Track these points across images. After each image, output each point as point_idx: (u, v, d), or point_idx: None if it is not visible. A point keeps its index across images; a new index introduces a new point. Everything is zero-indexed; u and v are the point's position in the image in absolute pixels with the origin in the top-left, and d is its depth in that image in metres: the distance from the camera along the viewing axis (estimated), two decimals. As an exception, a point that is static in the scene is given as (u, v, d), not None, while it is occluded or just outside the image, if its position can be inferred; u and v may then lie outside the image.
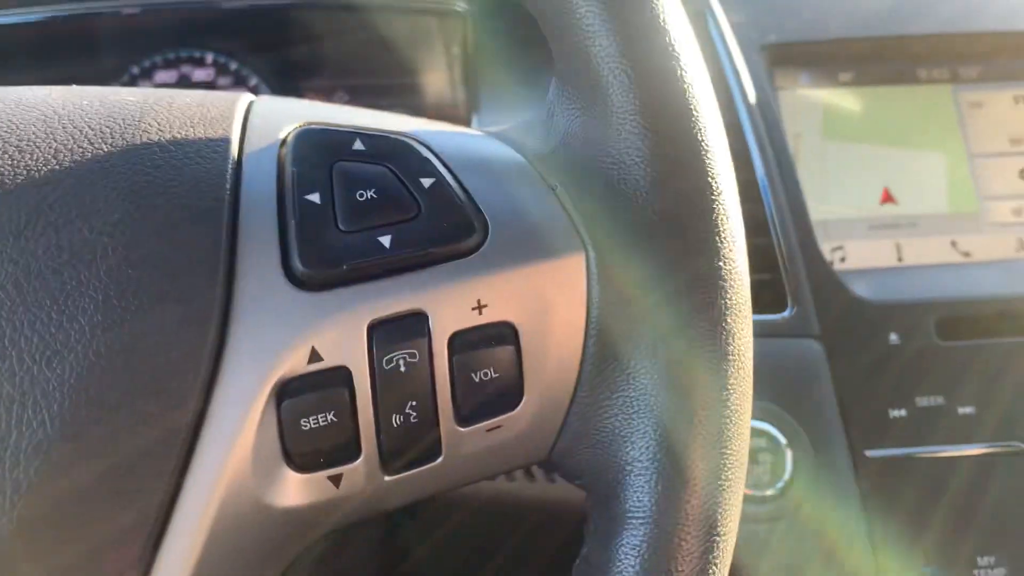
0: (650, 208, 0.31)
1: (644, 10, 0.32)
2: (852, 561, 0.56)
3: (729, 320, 0.31)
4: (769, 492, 0.57)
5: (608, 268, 0.32)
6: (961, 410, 0.60)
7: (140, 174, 0.31)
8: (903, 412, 0.59)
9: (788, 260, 0.63)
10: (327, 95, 0.87)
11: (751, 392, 0.32)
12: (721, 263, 0.31)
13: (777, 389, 0.59)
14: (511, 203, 0.33)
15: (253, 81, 0.87)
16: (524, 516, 0.62)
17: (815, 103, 0.73)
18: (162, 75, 0.86)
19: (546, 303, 0.32)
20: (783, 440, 0.58)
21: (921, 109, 0.73)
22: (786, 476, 0.57)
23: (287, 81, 0.87)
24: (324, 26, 0.87)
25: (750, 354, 0.32)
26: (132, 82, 0.87)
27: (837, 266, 0.67)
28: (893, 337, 0.61)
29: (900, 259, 0.68)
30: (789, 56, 0.74)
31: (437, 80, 0.85)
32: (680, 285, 0.31)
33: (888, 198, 0.71)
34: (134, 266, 0.29)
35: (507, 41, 0.76)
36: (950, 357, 0.61)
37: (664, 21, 0.32)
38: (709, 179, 0.31)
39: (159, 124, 0.33)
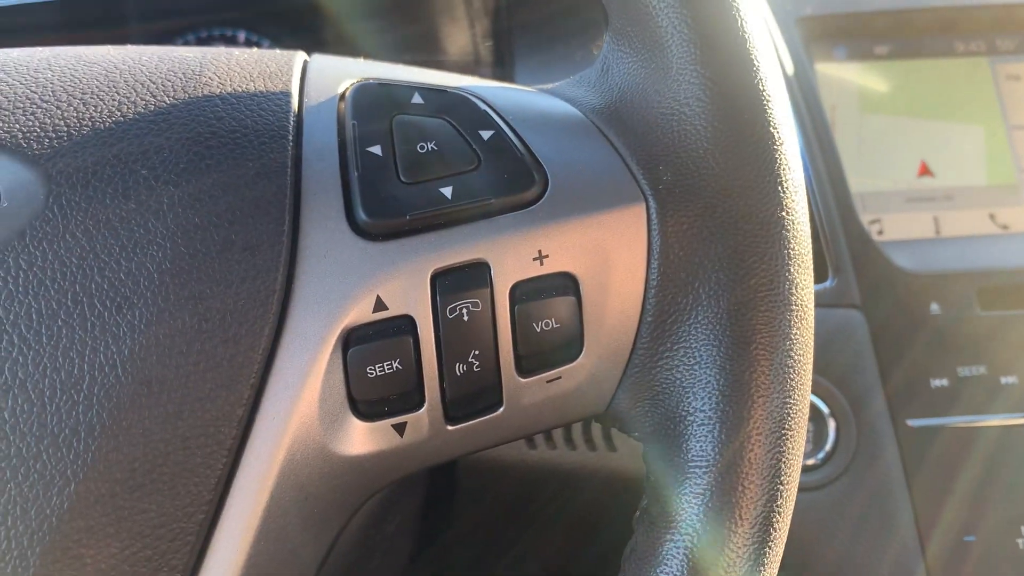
0: (711, 158, 0.31)
1: None
2: (894, 530, 0.56)
3: (791, 269, 0.31)
4: (811, 462, 0.57)
5: (668, 218, 0.32)
6: (1003, 380, 0.59)
7: (203, 125, 0.31)
8: (944, 382, 0.59)
9: (828, 230, 0.62)
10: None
11: (812, 341, 0.32)
12: (784, 212, 0.31)
13: (818, 359, 0.58)
14: (569, 155, 0.33)
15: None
16: (566, 484, 0.62)
17: (851, 76, 0.73)
18: (194, 54, 0.87)
19: (607, 254, 0.32)
20: (825, 409, 0.58)
21: (958, 82, 0.73)
22: (828, 446, 0.57)
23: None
24: (356, 7, 0.87)
25: (811, 303, 0.32)
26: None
27: (875, 238, 0.66)
28: (934, 307, 0.61)
29: (938, 232, 0.68)
30: (825, 29, 0.73)
31: (469, 61, 0.84)
32: (741, 235, 0.31)
33: (925, 171, 0.70)
34: (200, 215, 0.29)
35: (541, 14, 0.76)
36: (991, 327, 0.61)
37: None
38: (771, 129, 0.31)
39: (219, 77, 0.33)
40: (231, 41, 0.86)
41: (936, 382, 0.59)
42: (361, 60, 0.38)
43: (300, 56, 0.36)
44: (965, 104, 0.72)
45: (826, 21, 0.73)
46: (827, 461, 0.57)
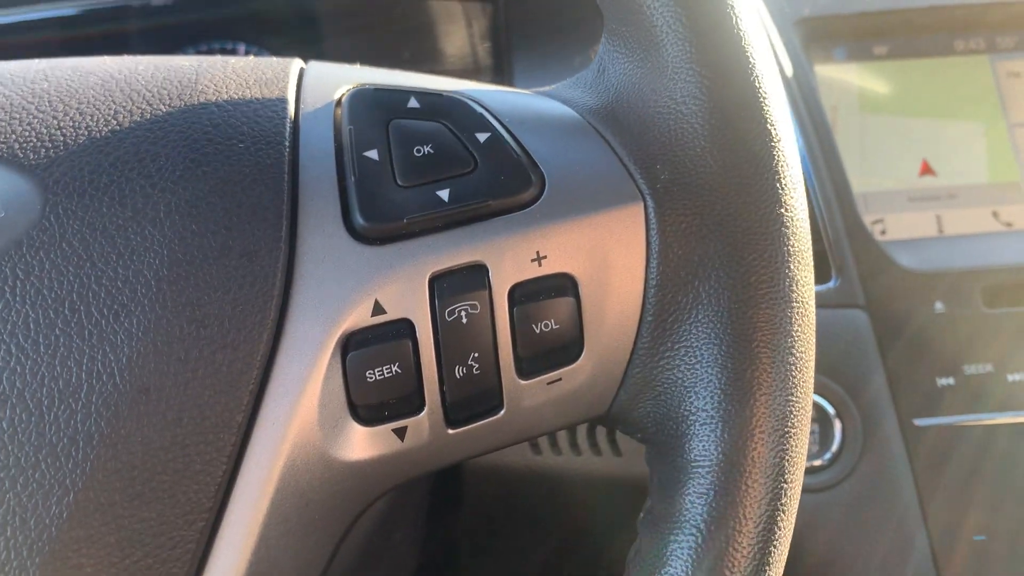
0: (709, 156, 0.31)
1: None
2: (903, 530, 0.56)
3: (792, 266, 0.31)
4: (818, 463, 0.57)
5: (666, 217, 0.32)
6: (1010, 377, 0.59)
7: (199, 132, 0.31)
8: (951, 380, 0.59)
9: (831, 231, 0.62)
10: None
11: (814, 339, 0.32)
12: (782, 210, 0.31)
13: (824, 360, 0.58)
14: (566, 155, 0.33)
15: (284, 72, 0.87)
16: (571, 489, 0.62)
17: (851, 77, 0.73)
18: (194, 68, 0.87)
19: (605, 254, 0.32)
20: (831, 410, 0.58)
21: (958, 80, 0.73)
22: (835, 447, 0.57)
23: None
24: (353, 14, 0.87)
25: (812, 301, 0.32)
26: (164, 76, 0.87)
27: (878, 238, 0.66)
28: (938, 306, 0.60)
29: (941, 230, 0.68)
30: (823, 30, 0.73)
31: (468, 65, 0.85)
32: (740, 232, 0.31)
33: (927, 170, 0.70)
34: (197, 221, 0.29)
35: (539, 18, 0.76)
36: (997, 324, 0.60)
37: None
38: (768, 126, 0.31)
39: (215, 85, 0.33)
40: (230, 54, 0.86)
41: (942, 381, 0.59)
42: (358, 66, 0.38)
43: (297, 63, 0.36)
44: (966, 102, 0.72)
45: (824, 22, 0.73)
46: (834, 462, 0.57)
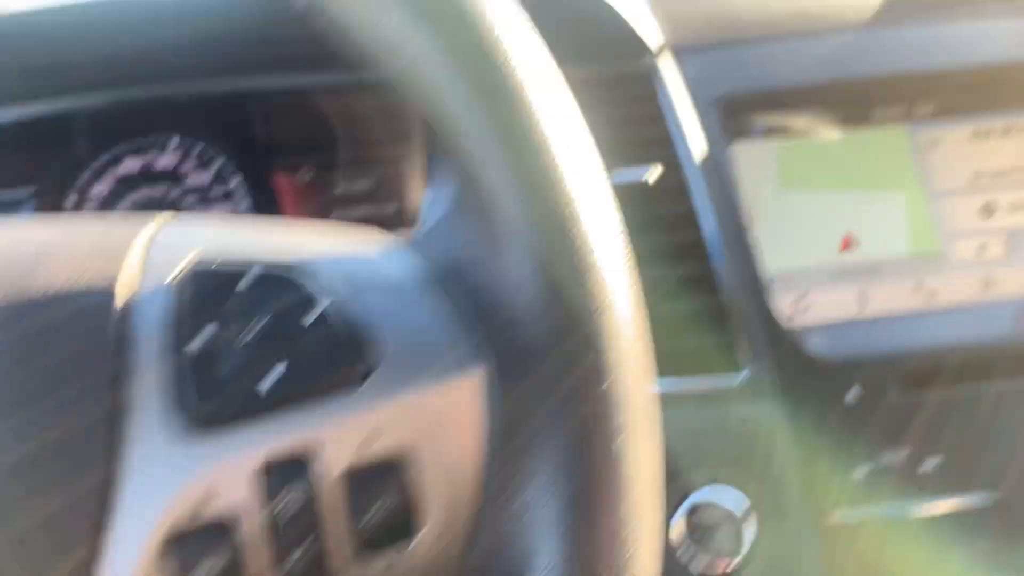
0: (542, 324, 0.31)
1: (530, 130, 0.32)
2: (822, 629, 0.55)
3: (626, 437, 0.31)
4: (730, 569, 0.56)
5: (504, 385, 0.32)
6: (929, 463, 0.58)
7: (29, 336, 0.31)
8: (868, 470, 0.58)
9: (742, 320, 0.62)
10: (293, 172, 0.88)
11: (657, 504, 0.32)
12: (611, 382, 0.31)
13: (735, 455, 0.58)
14: (403, 324, 0.33)
15: (219, 162, 0.88)
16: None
17: (770, 153, 0.73)
18: (129, 162, 0.88)
19: (441, 427, 0.32)
20: (742, 509, 0.57)
21: (877, 150, 0.73)
22: (745, 548, 0.56)
23: (253, 161, 0.88)
24: (286, 107, 0.88)
25: (654, 466, 0.32)
26: (102, 169, 0.88)
27: (799, 319, 0.66)
28: (855, 392, 0.60)
29: (864, 306, 0.68)
30: (742, 107, 0.73)
31: (398, 153, 0.85)
32: (573, 403, 0.31)
33: (849, 244, 0.70)
34: (18, 433, 0.29)
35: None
36: (916, 409, 0.60)
37: (551, 139, 0.32)
38: (593, 298, 0.31)
39: (53, 273, 0.33)
40: (163, 147, 0.87)
41: (859, 471, 0.58)
42: (217, 222, 0.38)
43: (148, 229, 0.36)
44: (885, 172, 0.72)
45: (743, 100, 0.73)
46: (747, 565, 0.56)
